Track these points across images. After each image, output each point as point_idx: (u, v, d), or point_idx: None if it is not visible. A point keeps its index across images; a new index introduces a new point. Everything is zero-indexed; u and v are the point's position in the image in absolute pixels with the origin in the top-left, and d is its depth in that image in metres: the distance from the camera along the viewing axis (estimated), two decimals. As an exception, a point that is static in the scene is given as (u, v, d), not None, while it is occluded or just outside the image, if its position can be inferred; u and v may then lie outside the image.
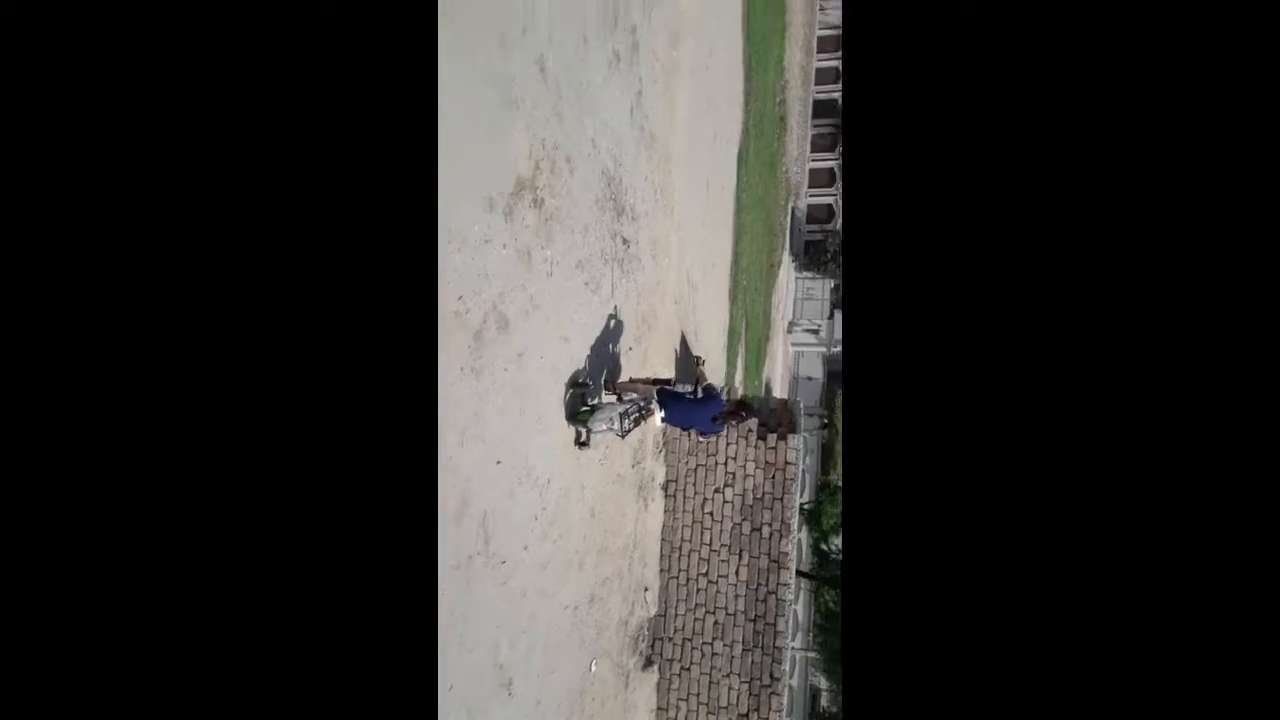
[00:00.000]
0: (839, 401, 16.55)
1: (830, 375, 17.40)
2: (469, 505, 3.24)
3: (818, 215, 18.57)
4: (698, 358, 5.04)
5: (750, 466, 5.62)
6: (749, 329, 12.66)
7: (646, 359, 5.55)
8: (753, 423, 5.42)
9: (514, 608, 3.70)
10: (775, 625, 5.40)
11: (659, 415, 4.50)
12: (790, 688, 7.92)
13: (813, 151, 17.69)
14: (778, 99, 13.54)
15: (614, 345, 4.90)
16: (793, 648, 8.49)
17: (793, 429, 5.63)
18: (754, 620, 5.46)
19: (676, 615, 5.65)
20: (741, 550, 5.55)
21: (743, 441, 5.65)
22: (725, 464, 5.68)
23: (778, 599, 5.43)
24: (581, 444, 4.30)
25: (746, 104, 10.03)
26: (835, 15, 17.75)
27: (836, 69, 17.92)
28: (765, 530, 5.52)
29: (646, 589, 5.66)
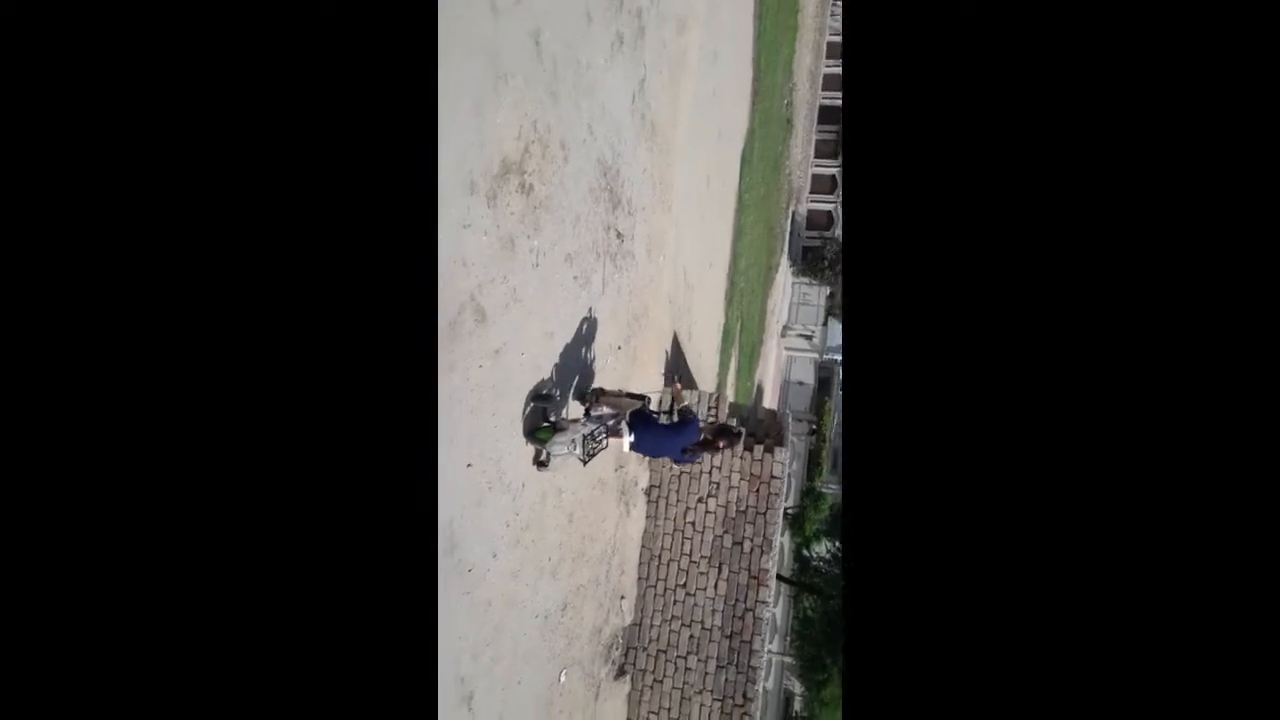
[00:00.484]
0: (829, 408, 16.46)
1: (821, 382, 17.27)
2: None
3: (818, 221, 18.38)
4: (676, 377, 4.63)
5: (735, 478, 5.41)
6: (743, 331, 12.47)
7: (636, 358, 5.33)
8: (738, 446, 4.87)
9: (479, 618, 3.48)
10: (751, 644, 5.20)
11: (627, 440, 3.92)
12: (765, 690, 7.80)
13: (816, 157, 17.49)
14: (785, 100, 13.32)
15: (601, 344, 4.67)
16: (770, 651, 8.39)
17: (780, 442, 5.42)
18: (730, 637, 5.26)
19: (652, 626, 5.45)
20: (721, 564, 5.35)
21: (728, 452, 5.44)
22: (710, 473, 5.47)
23: (755, 616, 5.24)
24: (540, 463, 3.85)
25: (753, 102, 9.79)
26: (848, 19, 17.49)
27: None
28: (746, 545, 5.32)
29: (623, 597, 5.45)
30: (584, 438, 3.70)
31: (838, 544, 10.31)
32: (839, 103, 17.89)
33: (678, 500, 5.49)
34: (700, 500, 5.46)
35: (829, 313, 16.44)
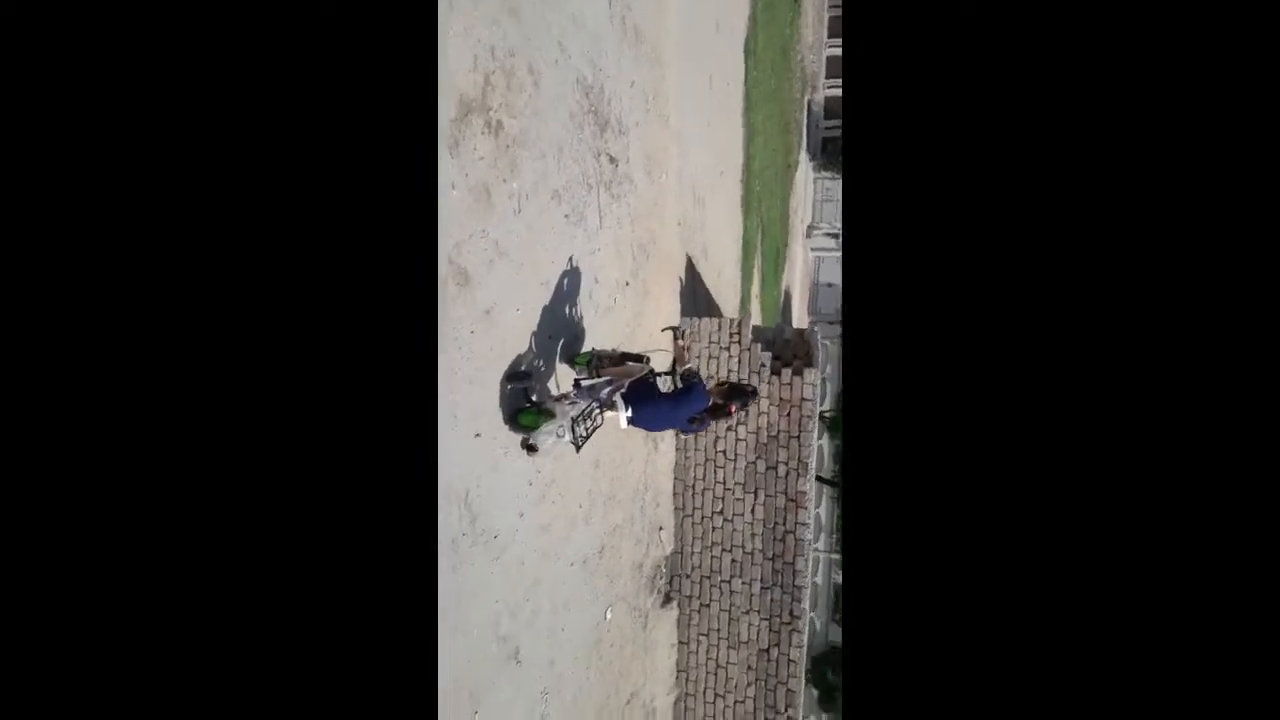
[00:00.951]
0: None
1: (853, 280, 16.57)
2: (447, 489, 2.92)
3: (837, 109, 17.06)
4: (680, 332, 3.72)
5: (765, 403, 5.22)
6: (765, 237, 11.93)
7: (647, 292, 5.06)
8: (752, 405, 4.26)
9: (513, 578, 3.48)
10: (794, 565, 5.20)
11: (624, 416, 3.35)
12: (815, 584, 7.99)
13: (830, 37, 15.97)
14: (790, -26, 12.04)
15: (607, 283, 4.41)
16: (817, 549, 8.54)
17: (809, 363, 5.17)
18: (772, 559, 5.26)
19: (693, 553, 5.49)
20: (757, 489, 5.27)
21: (754, 378, 5.23)
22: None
23: (796, 538, 5.20)
24: (529, 447, 3.34)
25: (752, -18, 8.84)
26: None
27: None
28: (781, 469, 5.20)
29: (661, 528, 5.47)
30: (573, 420, 3.26)
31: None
32: (851, -32, 16.06)
33: (707, 431, 5.37)
34: (730, 428, 5.32)
35: (856, 206, 15.52)
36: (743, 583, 5.35)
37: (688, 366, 3.58)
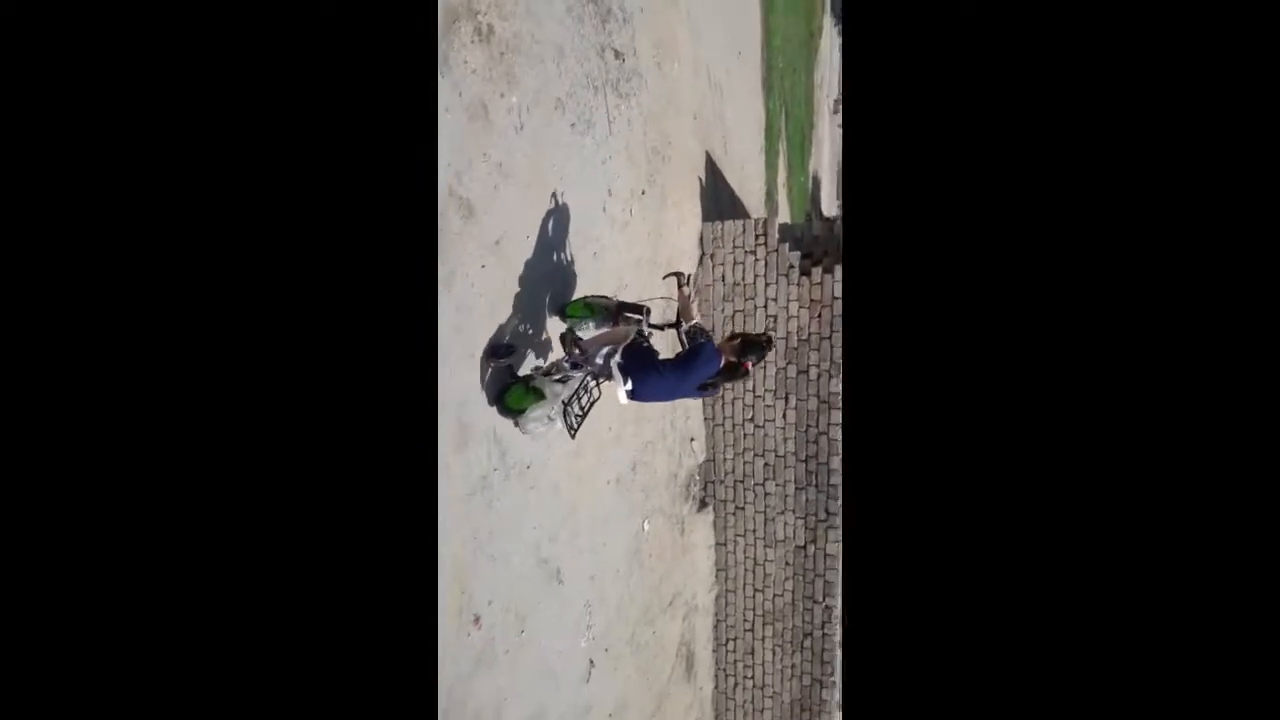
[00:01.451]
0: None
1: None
2: (471, 429, 2.89)
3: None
4: (681, 276, 3.10)
5: (793, 307, 5.03)
6: (789, 120, 11.13)
7: (665, 199, 4.76)
8: (769, 354, 3.53)
9: (549, 504, 3.54)
10: (829, 464, 5.21)
11: (622, 391, 2.87)
12: None
13: None
14: None
15: (621, 194, 4.13)
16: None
17: (838, 259, 4.90)
18: (805, 460, 5.28)
19: (725, 460, 5.55)
20: (788, 394, 5.20)
21: (783, 280, 5.00)
22: (765, 306, 5.11)
23: (829, 439, 5.18)
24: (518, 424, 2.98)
25: None
26: None
27: None
28: (813, 372, 5.09)
29: (692, 439, 5.51)
30: (565, 403, 2.81)
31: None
32: None
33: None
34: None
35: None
36: (776, 485, 5.43)
37: (694, 322, 2.96)
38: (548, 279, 3.35)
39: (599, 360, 2.86)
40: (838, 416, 5.16)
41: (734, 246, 5.17)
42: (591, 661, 4.04)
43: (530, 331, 3.19)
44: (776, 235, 5.08)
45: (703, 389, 2.90)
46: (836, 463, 5.25)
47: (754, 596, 5.68)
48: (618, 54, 4.10)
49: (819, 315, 5.02)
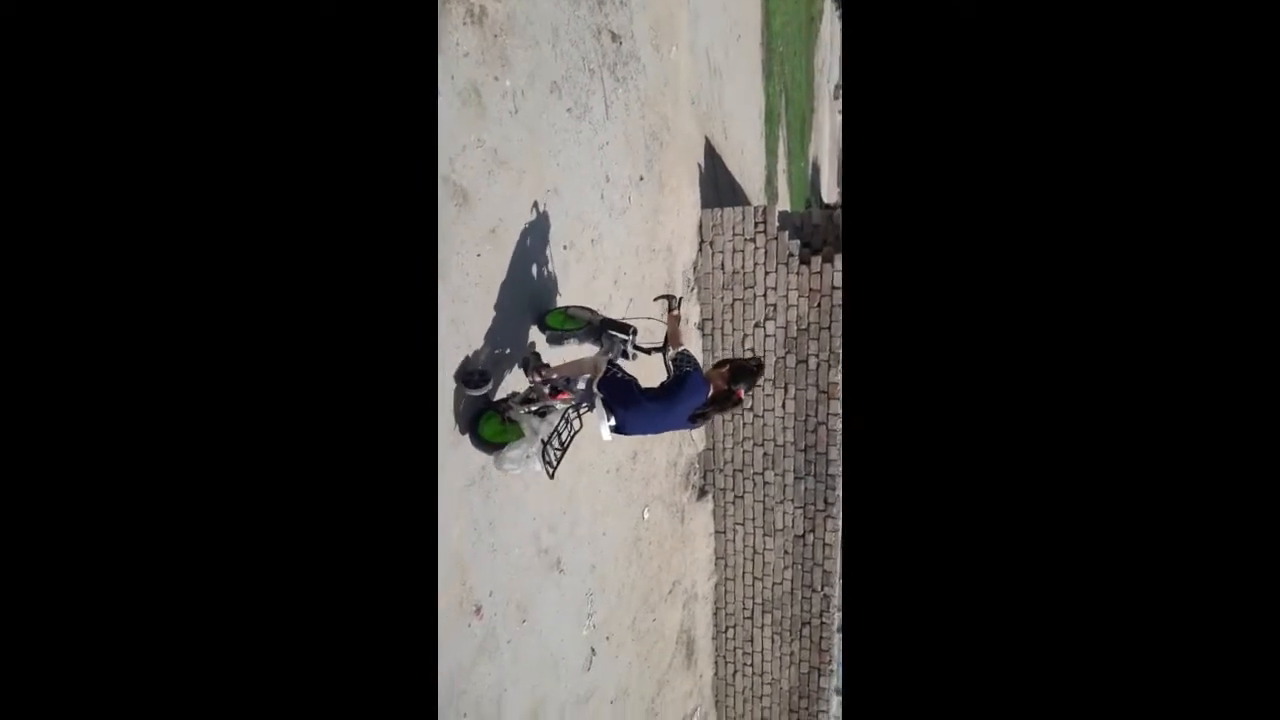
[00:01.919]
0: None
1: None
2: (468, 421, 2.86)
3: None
4: (671, 299, 2.91)
5: (793, 296, 4.99)
6: (789, 105, 11.01)
7: (663, 185, 4.70)
8: (759, 379, 2.98)
9: (548, 495, 3.52)
10: (827, 454, 5.20)
11: (606, 427, 2.64)
12: None
13: None
14: None
15: (619, 181, 4.07)
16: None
17: (838, 248, 4.85)
18: (804, 450, 5.27)
19: (725, 449, 5.53)
20: (787, 384, 5.17)
21: (783, 269, 4.95)
22: (765, 295, 5.06)
23: (828, 429, 5.16)
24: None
25: None
26: None
27: None
28: (812, 362, 5.06)
29: (692, 427, 5.49)
30: (543, 443, 2.56)
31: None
32: None
33: (733, 329, 5.20)
34: (758, 325, 5.14)
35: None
36: (775, 474, 5.42)
37: (681, 349, 2.71)
38: (542, 271, 3.31)
39: (581, 387, 2.66)
40: (837, 406, 5.14)
41: (733, 234, 5.12)
42: (593, 650, 4.05)
43: (509, 350, 3.01)
44: (776, 223, 5.02)
45: (694, 419, 2.68)
46: (835, 452, 5.23)
47: (753, 585, 5.69)
48: (614, 36, 4.02)
49: (818, 305, 4.98)
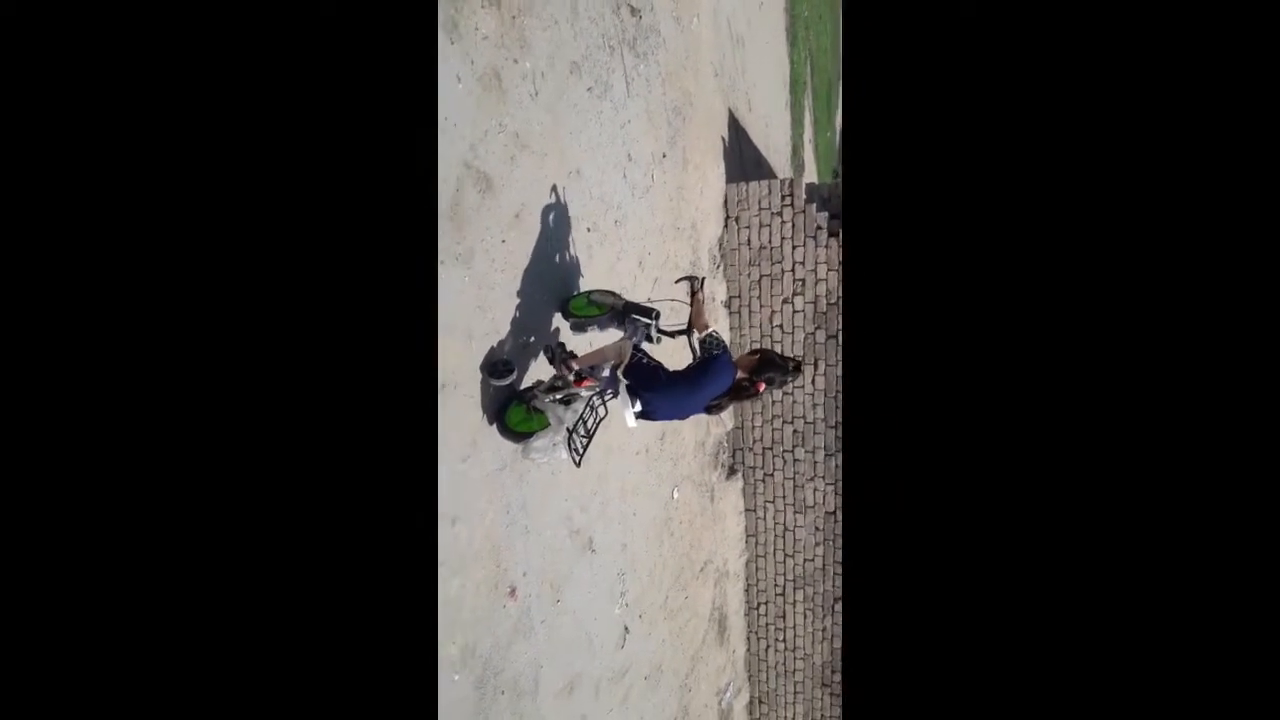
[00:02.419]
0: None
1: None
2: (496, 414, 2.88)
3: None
4: (694, 280, 2.85)
5: (822, 270, 4.89)
6: (815, 72, 10.69)
7: (686, 162, 4.62)
8: (793, 379, 2.87)
9: (579, 477, 3.55)
10: (859, 431, 5.13)
11: (630, 414, 2.60)
12: None
13: None
14: None
15: (641, 159, 4.01)
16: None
17: (871, 220, 4.72)
18: (834, 427, 5.21)
19: (754, 427, 5.50)
20: (817, 359, 5.10)
21: (811, 243, 4.86)
22: (793, 270, 4.98)
23: (861, 405, 5.08)
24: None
25: None
26: None
27: None
28: (842, 336, 4.97)
29: (720, 406, 5.47)
30: (570, 430, 2.57)
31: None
32: None
33: (761, 306, 5.14)
34: (786, 301, 5.07)
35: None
36: (805, 451, 5.38)
37: (709, 332, 2.65)
38: (565, 255, 3.29)
39: (605, 374, 2.64)
40: (869, 381, 5.06)
41: (760, 208, 5.03)
42: (626, 628, 4.11)
43: (534, 337, 3.01)
44: (804, 195, 4.91)
45: (708, 409, 2.63)
46: (867, 427, 5.16)
47: (784, 562, 5.70)
48: (634, 10, 3.93)
49: (848, 277, 4.88)
